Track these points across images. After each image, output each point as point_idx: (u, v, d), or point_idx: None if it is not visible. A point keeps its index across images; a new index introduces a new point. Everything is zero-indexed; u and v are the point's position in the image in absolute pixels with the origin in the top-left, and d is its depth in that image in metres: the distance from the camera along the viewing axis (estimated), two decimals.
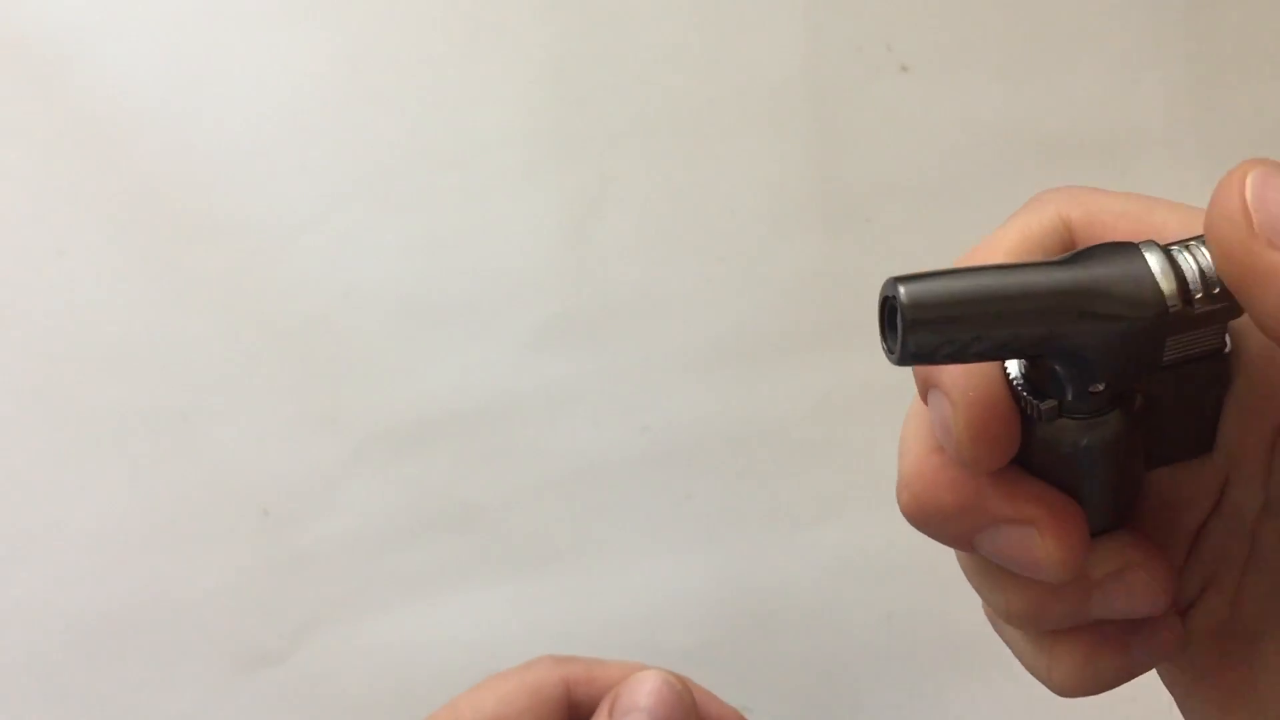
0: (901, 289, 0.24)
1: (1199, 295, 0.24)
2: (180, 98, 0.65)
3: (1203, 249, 0.25)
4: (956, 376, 0.26)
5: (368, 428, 0.63)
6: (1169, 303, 0.24)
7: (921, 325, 0.24)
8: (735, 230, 0.65)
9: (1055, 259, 0.25)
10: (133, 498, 0.62)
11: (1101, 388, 0.25)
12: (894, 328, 0.24)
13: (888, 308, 0.24)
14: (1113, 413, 0.26)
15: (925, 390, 0.27)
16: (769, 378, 0.64)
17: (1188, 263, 0.25)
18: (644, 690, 0.39)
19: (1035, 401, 0.26)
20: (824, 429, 0.64)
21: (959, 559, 0.31)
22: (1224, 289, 0.24)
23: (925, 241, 0.64)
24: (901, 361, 0.24)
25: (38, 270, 0.63)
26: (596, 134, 0.66)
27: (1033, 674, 0.31)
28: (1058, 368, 0.26)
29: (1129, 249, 0.25)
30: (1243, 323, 0.25)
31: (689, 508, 0.63)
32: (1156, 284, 0.24)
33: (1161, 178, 0.64)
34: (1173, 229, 0.27)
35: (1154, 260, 0.24)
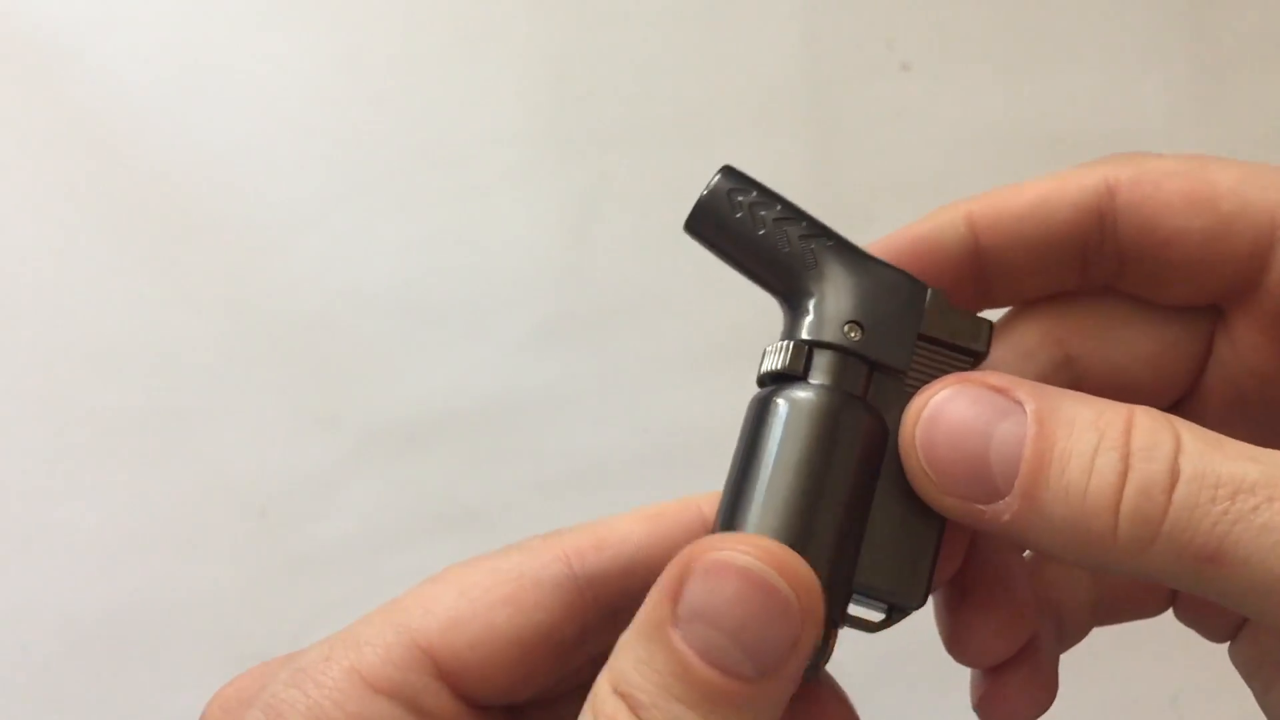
0: (723, 168, 0.27)
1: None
2: (180, 98, 0.65)
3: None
4: None
5: (368, 428, 0.63)
6: (930, 288, 0.27)
7: (721, 190, 0.27)
8: None
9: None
10: (133, 498, 0.62)
11: (856, 333, 0.26)
12: (696, 208, 0.27)
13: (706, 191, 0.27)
14: (862, 404, 0.26)
15: None
16: None
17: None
18: (718, 587, 0.23)
19: (785, 343, 0.26)
20: None
21: None
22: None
23: None
24: (689, 221, 0.27)
25: (38, 270, 0.63)
26: (596, 134, 0.66)
27: None
28: (814, 298, 0.27)
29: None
30: None
31: None
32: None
33: None
34: (1227, 183, 0.26)
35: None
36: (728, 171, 0.28)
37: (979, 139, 0.65)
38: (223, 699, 0.28)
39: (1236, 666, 0.30)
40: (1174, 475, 0.22)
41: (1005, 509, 0.23)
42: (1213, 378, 0.29)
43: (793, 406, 0.25)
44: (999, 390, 0.24)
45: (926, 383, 0.25)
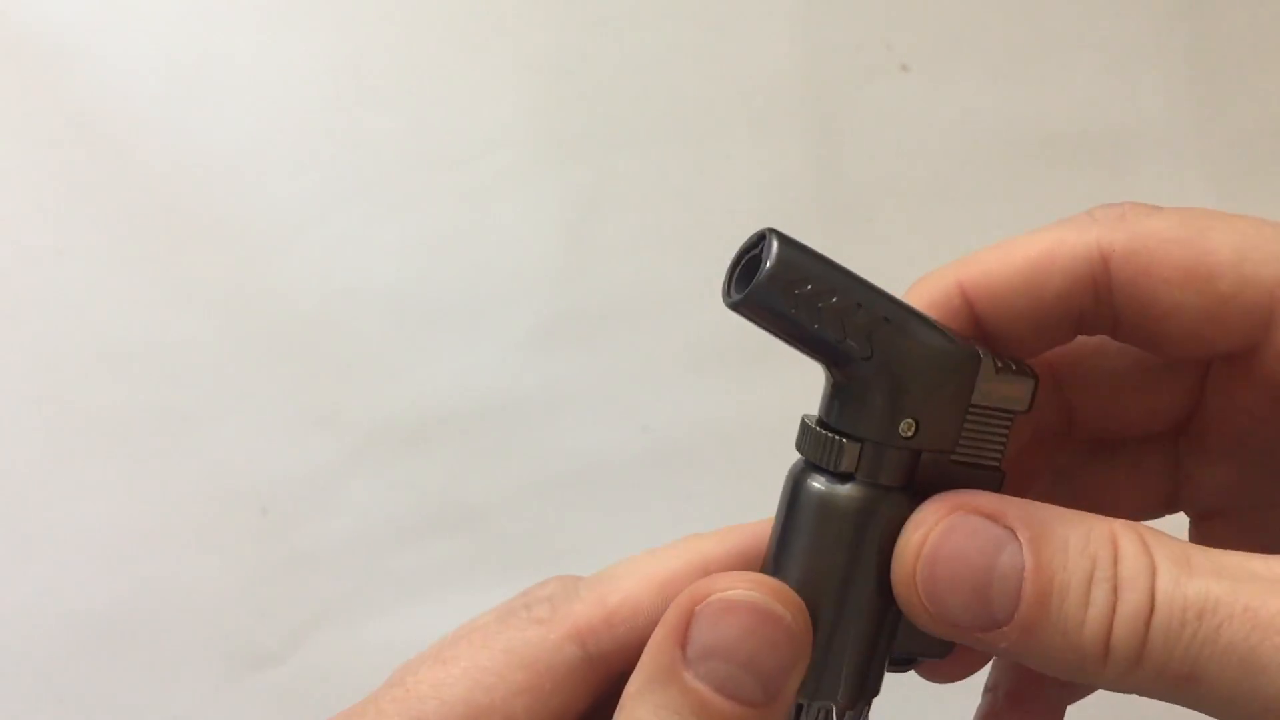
0: (776, 242, 0.25)
1: (1003, 368, 0.26)
2: (180, 98, 0.65)
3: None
4: None
5: (368, 428, 0.63)
6: (980, 351, 0.26)
7: (777, 281, 0.25)
8: (735, 230, 0.65)
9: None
10: (133, 498, 0.62)
11: (912, 429, 0.26)
12: (747, 275, 0.25)
13: (751, 255, 0.25)
14: (904, 496, 0.26)
15: None
16: (769, 377, 0.64)
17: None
18: (727, 624, 0.24)
19: (837, 438, 0.26)
20: None
21: None
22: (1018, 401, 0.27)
23: (925, 241, 0.64)
24: (737, 305, 0.25)
25: (38, 270, 0.63)
26: (596, 134, 0.66)
27: None
28: (870, 389, 0.26)
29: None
30: None
31: (689, 508, 0.63)
32: (973, 347, 0.26)
33: (1161, 177, 0.64)
34: (1226, 255, 0.26)
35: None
36: (784, 246, 0.25)
37: (978, 139, 0.65)
38: None
39: None
40: (1151, 603, 0.23)
41: (1003, 638, 0.24)
42: (1210, 411, 0.30)
43: (845, 508, 0.26)
44: (992, 518, 0.24)
45: (969, 451, 0.26)
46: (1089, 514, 0.24)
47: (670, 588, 0.28)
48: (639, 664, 0.25)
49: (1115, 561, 0.23)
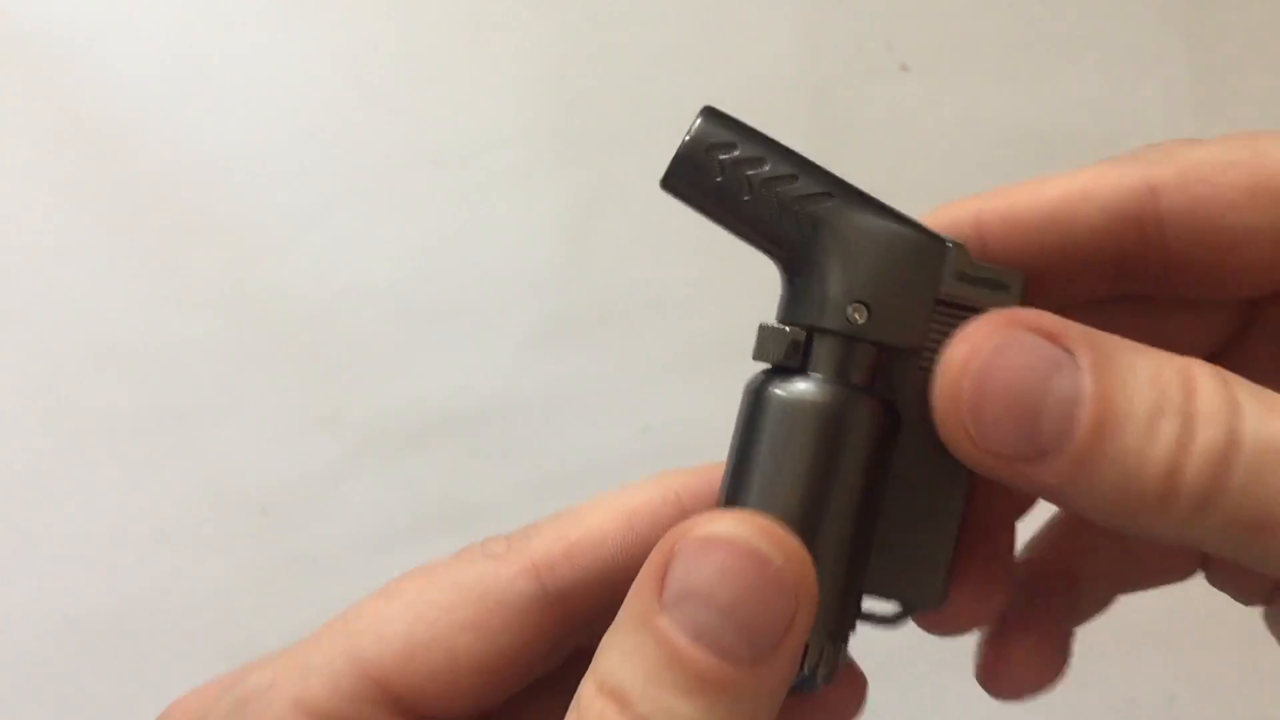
0: (700, 120, 0.23)
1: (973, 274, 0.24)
2: (180, 98, 0.65)
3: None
4: None
5: (368, 428, 0.63)
6: (950, 241, 0.24)
7: (700, 145, 0.23)
8: None
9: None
10: (133, 498, 0.62)
11: (863, 315, 0.23)
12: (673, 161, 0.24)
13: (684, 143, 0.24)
14: (870, 397, 0.23)
15: None
16: None
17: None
18: (707, 562, 0.21)
19: (784, 328, 0.24)
20: None
21: None
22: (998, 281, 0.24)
23: None
24: (663, 184, 0.24)
25: (38, 270, 0.63)
26: (596, 134, 0.66)
27: None
28: (816, 272, 0.23)
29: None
30: None
31: None
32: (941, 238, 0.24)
33: None
34: None
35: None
36: (710, 116, 0.23)
37: (978, 140, 0.65)
38: (176, 714, 0.26)
39: (1271, 630, 0.29)
40: (1233, 440, 0.20)
41: (1053, 472, 0.21)
42: (1249, 354, 0.27)
43: (791, 407, 0.23)
44: (1051, 338, 0.21)
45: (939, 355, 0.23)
46: (1162, 351, 0.21)
47: (638, 518, 0.26)
48: (618, 613, 0.22)
49: (1191, 395, 0.21)
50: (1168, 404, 0.21)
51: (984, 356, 0.21)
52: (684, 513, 0.26)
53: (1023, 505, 0.27)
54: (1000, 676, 0.27)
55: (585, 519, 0.26)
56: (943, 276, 0.23)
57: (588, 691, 0.21)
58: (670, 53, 0.66)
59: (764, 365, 0.24)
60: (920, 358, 0.24)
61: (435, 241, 0.64)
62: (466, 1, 0.66)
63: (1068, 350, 0.21)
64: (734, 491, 0.24)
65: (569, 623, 0.25)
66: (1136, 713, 0.58)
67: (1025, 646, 0.27)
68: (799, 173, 0.23)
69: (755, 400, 0.24)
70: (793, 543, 0.21)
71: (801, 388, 0.23)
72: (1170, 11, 0.67)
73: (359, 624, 0.25)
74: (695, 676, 0.21)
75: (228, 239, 0.64)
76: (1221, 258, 0.24)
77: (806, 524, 0.23)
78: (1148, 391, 0.21)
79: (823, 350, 0.23)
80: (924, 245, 0.23)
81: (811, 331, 0.23)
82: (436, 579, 0.26)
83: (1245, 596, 0.29)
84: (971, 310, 0.23)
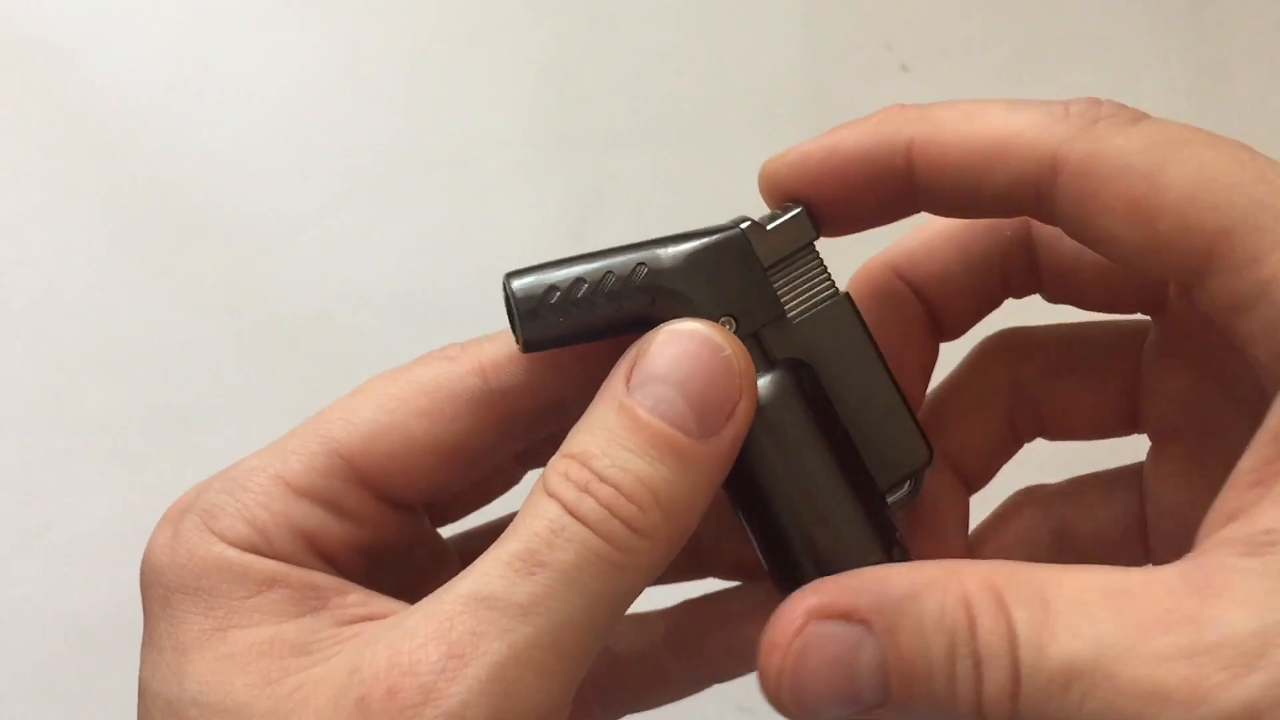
0: (513, 283, 0.27)
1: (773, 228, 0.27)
2: (180, 97, 0.65)
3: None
4: None
5: None
6: (741, 223, 0.27)
7: (532, 314, 0.27)
8: None
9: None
10: (133, 498, 0.62)
11: (732, 324, 0.27)
12: (512, 321, 0.27)
13: (509, 303, 0.27)
14: (784, 368, 0.27)
15: None
16: None
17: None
18: (670, 350, 0.25)
19: None
20: None
21: None
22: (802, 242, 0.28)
23: None
24: (528, 349, 0.27)
25: (38, 270, 0.63)
26: (596, 134, 0.66)
27: None
28: (679, 315, 0.27)
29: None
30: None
31: None
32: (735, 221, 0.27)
33: None
34: (1176, 195, 0.24)
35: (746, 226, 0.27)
36: (513, 276, 0.27)
37: None
38: (166, 515, 0.31)
39: None
40: (1016, 678, 0.22)
41: (883, 716, 0.24)
42: (1170, 315, 0.30)
43: (762, 407, 0.26)
44: (845, 616, 0.24)
45: (802, 301, 0.27)
46: (945, 571, 0.24)
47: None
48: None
49: (974, 634, 0.23)
50: (958, 645, 0.23)
51: (793, 664, 0.24)
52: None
53: (928, 361, 0.31)
54: None
55: None
56: (755, 252, 0.27)
57: (555, 458, 0.25)
58: (670, 53, 0.66)
59: None
60: (788, 317, 0.27)
61: (436, 241, 0.64)
62: (467, 2, 0.66)
63: (863, 623, 0.24)
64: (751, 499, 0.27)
65: (512, 419, 0.29)
66: None
67: None
68: (610, 267, 0.27)
69: None
70: (737, 341, 0.26)
71: (763, 387, 0.27)
72: (1170, 11, 0.67)
73: (330, 414, 0.30)
74: (650, 441, 0.25)
75: (228, 239, 0.64)
76: (1094, 245, 0.26)
77: (803, 487, 0.26)
78: (938, 638, 0.23)
79: None
80: (728, 243, 0.27)
81: None
82: (398, 376, 0.30)
83: None
84: (791, 257, 0.27)
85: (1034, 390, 0.31)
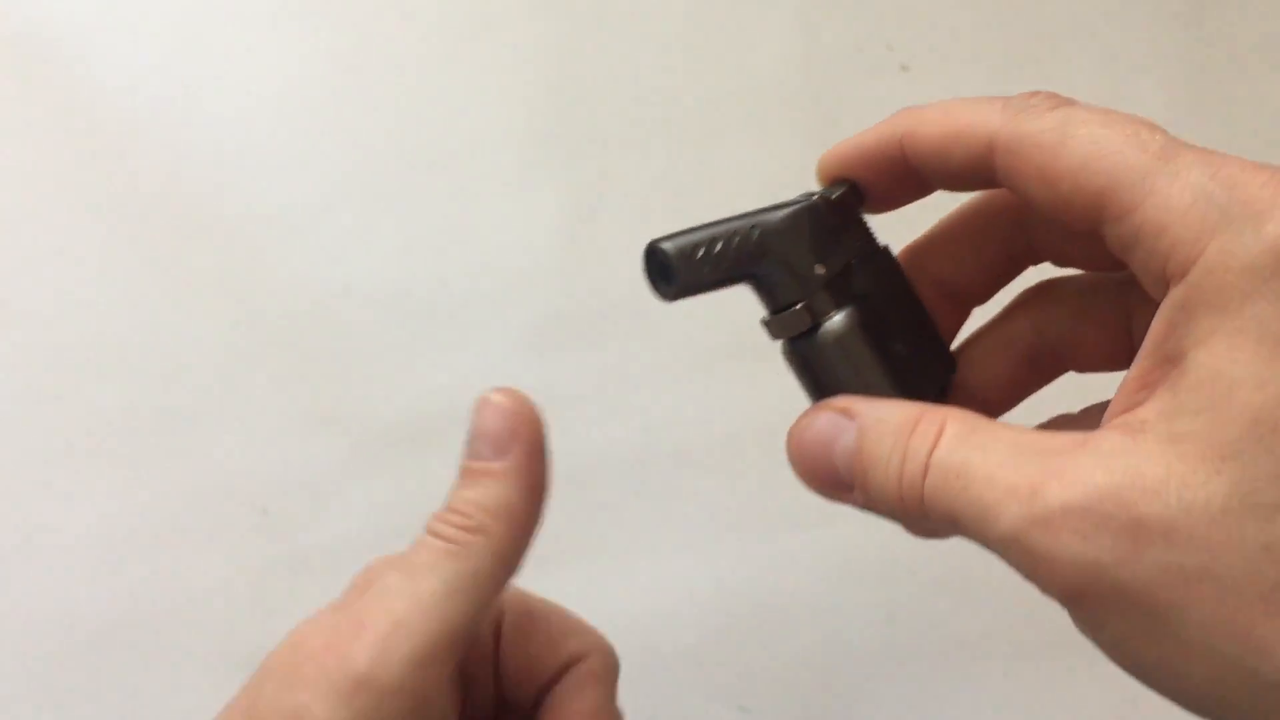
0: (664, 244, 0.34)
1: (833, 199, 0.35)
2: (180, 97, 0.65)
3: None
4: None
5: (367, 428, 0.63)
6: (811, 194, 0.35)
7: (684, 269, 0.33)
8: None
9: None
10: (133, 498, 0.62)
11: (821, 267, 0.34)
12: (664, 276, 0.34)
13: (655, 261, 0.34)
14: (845, 310, 0.34)
15: None
16: (769, 377, 0.64)
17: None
18: (474, 417, 0.37)
19: (791, 310, 0.34)
20: None
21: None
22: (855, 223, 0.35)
23: None
24: (676, 296, 0.34)
25: (38, 270, 0.63)
26: (596, 134, 0.66)
27: None
28: (782, 271, 0.34)
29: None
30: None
31: (689, 508, 0.63)
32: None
33: None
34: (1071, 162, 0.30)
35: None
36: (669, 241, 0.34)
37: None
38: None
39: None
40: (925, 469, 0.29)
41: (855, 499, 0.32)
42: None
43: (845, 332, 0.34)
44: (841, 411, 0.32)
45: (859, 251, 0.35)
46: (924, 405, 0.31)
47: None
48: None
49: (911, 436, 0.30)
50: (896, 446, 0.30)
51: (797, 434, 0.33)
52: None
53: (957, 320, 0.38)
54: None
55: None
56: (828, 216, 0.35)
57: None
58: (670, 53, 0.67)
59: (785, 338, 0.35)
60: (850, 258, 0.35)
61: (435, 241, 0.64)
62: (466, 1, 0.67)
63: (850, 417, 0.32)
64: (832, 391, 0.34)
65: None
66: (1137, 713, 0.58)
67: None
68: (735, 230, 0.34)
69: (813, 350, 0.34)
70: (520, 395, 0.36)
71: (840, 320, 0.34)
72: (1170, 12, 0.67)
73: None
74: (468, 474, 0.36)
75: (228, 238, 0.64)
76: (1031, 208, 0.31)
77: (894, 367, 0.34)
78: (890, 439, 0.30)
79: (819, 304, 0.34)
80: (811, 209, 0.34)
81: (809, 299, 0.34)
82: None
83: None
84: (847, 221, 0.35)
85: (1051, 332, 0.36)
